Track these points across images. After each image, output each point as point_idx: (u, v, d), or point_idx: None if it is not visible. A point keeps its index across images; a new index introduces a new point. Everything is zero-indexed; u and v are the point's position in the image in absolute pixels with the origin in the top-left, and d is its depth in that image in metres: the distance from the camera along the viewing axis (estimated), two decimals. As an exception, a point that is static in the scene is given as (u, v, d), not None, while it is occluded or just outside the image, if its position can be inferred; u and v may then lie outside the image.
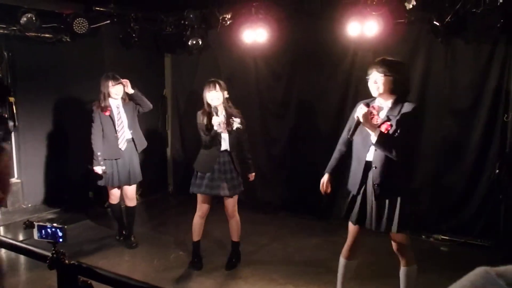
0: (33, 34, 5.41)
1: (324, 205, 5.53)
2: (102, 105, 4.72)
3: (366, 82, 3.20)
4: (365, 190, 3.22)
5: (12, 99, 5.60)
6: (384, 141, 3.03)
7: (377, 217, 3.16)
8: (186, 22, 6.03)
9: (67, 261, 1.73)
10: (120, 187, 4.96)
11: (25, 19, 5.15)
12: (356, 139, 3.23)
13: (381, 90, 3.09)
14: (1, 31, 5.30)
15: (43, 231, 1.79)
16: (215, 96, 4.14)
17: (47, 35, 5.64)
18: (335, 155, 3.54)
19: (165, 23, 6.23)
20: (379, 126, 3.07)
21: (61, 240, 1.77)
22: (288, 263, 4.55)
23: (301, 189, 6.03)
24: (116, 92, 4.73)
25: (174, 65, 7.12)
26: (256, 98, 6.36)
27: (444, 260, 4.64)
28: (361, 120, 3.04)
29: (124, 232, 5.12)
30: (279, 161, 6.28)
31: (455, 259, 4.59)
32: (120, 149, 4.78)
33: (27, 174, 5.85)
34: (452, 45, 4.90)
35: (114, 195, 4.98)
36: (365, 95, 3.41)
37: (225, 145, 4.21)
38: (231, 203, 4.34)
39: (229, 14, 5.80)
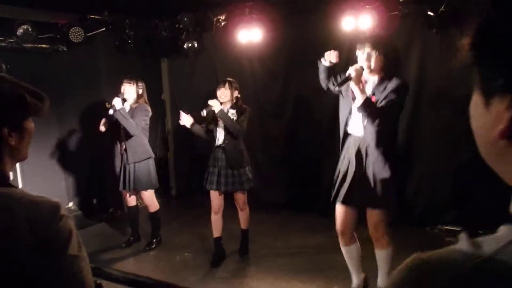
0: (30, 45, 5.44)
1: (325, 202, 5.55)
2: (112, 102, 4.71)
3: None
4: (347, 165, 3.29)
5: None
6: (368, 105, 3.04)
7: (362, 192, 3.22)
8: (181, 26, 6.07)
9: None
10: (135, 191, 5.01)
11: (21, 30, 5.18)
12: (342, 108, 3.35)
13: (372, 67, 3.11)
14: (-2, 43, 5.34)
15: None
16: (222, 93, 4.35)
17: (43, 46, 5.67)
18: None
19: (160, 28, 6.26)
20: None
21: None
22: (292, 260, 4.57)
23: (302, 187, 6.05)
24: (123, 91, 4.76)
25: (171, 69, 7.14)
26: (253, 98, 6.36)
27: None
28: (353, 75, 3.03)
29: (131, 238, 5.14)
30: (278, 160, 6.30)
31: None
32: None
33: (30, 183, 5.87)
34: (447, 36, 4.91)
35: (127, 198, 5.06)
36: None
37: (220, 139, 4.37)
38: (241, 198, 4.54)
39: (223, 15, 5.84)
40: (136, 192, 5.01)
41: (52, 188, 6.02)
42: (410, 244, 4.75)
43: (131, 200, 5.10)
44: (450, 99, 5.03)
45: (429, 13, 4.67)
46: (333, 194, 3.40)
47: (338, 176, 3.38)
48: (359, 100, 3.02)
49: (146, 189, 4.93)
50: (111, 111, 4.67)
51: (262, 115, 6.37)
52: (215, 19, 5.81)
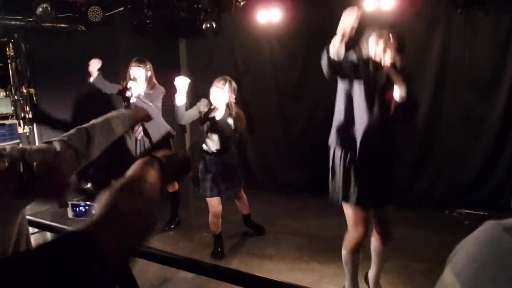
0: (49, 25, 5.44)
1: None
2: (123, 83, 4.67)
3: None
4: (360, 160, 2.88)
5: (32, 90, 5.68)
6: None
7: (378, 191, 2.90)
8: (199, 6, 6.01)
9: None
10: None
11: (40, 9, 5.18)
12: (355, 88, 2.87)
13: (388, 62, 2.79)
14: (18, 23, 5.35)
15: (77, 209, 1.82)
16: (218, 96, 4.08)
17: (62, 25, 5.67)
18: None
19: (178, 8, 6.20)
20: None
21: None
22: (311, 242, 4.57)
23: (320, 170, 6.01)
24: (134, 75, 4.65)
25: (189, 50, 7.12)
26: (272, 80, 6.34)
27: (468, 234, 4.61)
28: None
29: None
30: (297, 142, 6.27)
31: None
32: (135, 137, 4.79)
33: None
34: (471, 16, 4.79)
35: None
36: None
37: (214, 145, 4.17)
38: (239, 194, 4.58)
39: (243, -5, 5.77)
40: None
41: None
42: (430, 227, 4.76)
43: None
44: (473, 83, 4.94)
45: (454, -8, 4.56)
46: (352, 196, 2.92)
47: (353, 174, 2.91)
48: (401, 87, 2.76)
49: None
50: (128, 93, 4.61)
51: (281, 97, 6.33)
52: (234, -1, 5.74)
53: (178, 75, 7.13)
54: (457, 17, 4.83)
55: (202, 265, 1.66)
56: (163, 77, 6.85)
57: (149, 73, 4.77)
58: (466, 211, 5.10)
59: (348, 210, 3.00)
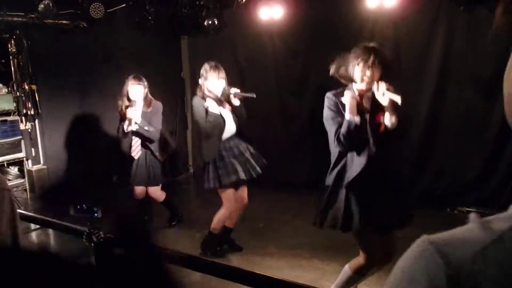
0: (50, 21, 5.44)
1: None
2: (121, 104, 4.48)
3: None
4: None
5: (34, 87, 5.69)
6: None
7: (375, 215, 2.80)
8: (201, 3, 5.99)
9: (103, 235, 1.77)
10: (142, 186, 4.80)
11: (42, 6, 5.17)
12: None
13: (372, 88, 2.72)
14: (20, 19, 5.35)
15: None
16: (221, 85, 3.97)
17: (64, 22, 5.67)
18: None
19: (180, 5, 6.19)
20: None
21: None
22: (312, 239, 4.56)
23: (321, 166, 6.01)
24: (133, 93, 4.42)
25: (191, 47, 7.12)
26: (273, 76, 6.34)
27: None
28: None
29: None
30: (298, 138, 6.28)
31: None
32: (132, 157, 4.62)
33: (52, 160, 5.95)
34: (474, 13, 4.78)
35: (136, 192, 4.77)
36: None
37: (231, 129, 4.03)
38: (246, 190, 4.23)
39: (245, -8, 5.75)
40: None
41: (73, 164, 6.10)
42: (430, 225, 4.73)
43: (140, 193, 4.79)
44: (475, 80, 4.93)
45: (456, -11, 4.55)
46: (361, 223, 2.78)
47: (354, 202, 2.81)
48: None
49: (158, 184, 4.78)
50: (129, 128, 4.39)
51: (283, 93, 6.34)
52: (236, -4, 5.73)
53: (180, 72, 7.22)
54: (459, 14, 4.82)
55: (202, 262, 1.67)
56: (165, 73, 6.89)
57: (146, 90, 4.54)
58: (467, 209, 5.10)
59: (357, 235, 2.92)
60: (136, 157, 4.60)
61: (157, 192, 4.82)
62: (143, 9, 6.08)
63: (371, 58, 2.67)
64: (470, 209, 5.07)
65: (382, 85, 2.66)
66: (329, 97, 2.89)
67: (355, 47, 2.79)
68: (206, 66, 4.01)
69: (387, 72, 2.73)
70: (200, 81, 4.03)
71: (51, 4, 5.22)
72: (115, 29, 6.27)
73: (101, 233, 1.78)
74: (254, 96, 3.86)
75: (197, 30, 6.44)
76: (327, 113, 2.89)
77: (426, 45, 5.07)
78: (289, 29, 5.84)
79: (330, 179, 2.92)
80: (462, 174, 5.12)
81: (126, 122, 4.38)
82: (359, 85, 2.77)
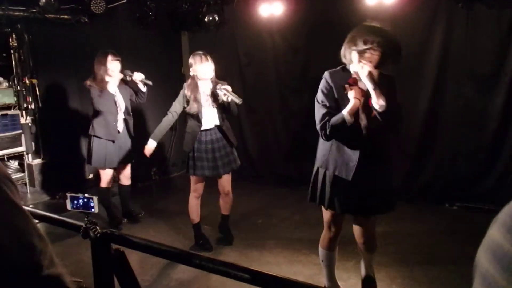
0: (52, 16, 5.47)
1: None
2: (100, 81, 4.60)
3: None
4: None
5: (35, 81, 5.71)
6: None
7: (356, 200, 2.85)
8: (202, -1, 6.02)
9: (99, 230, 1.79)
10: (115, 169, 4.87)
11: (44, 0, 5.20)
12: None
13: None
14: (21, 14, 5.38)
15: (75, 201, 1.85)
16: (208, 68, 4.14)
17: (65, 17, 5.70)
18: None
19: (181, 1, 6.21)
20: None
21: (93, 210, 1.83)
22: (310, 234, 4.57)
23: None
24: (113, 69, 4.61)
25: (191, 42, 7.12)
26: (273, 73, 6.35)
27: (468, 228, 4.63)
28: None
29: (118, 216, 5.06)
30: (298, 135, 6.28)
31: (479, 226, 4.56)
32: (118, 130, 4.73)
33: (51, 154, 5.97)
34: (473, 10, 4.78)
35: (108, 176, 4.81)
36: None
37: (214, 120, 4.09)
38: (227, 180, 4.24)
39: (245, -12, 5.76)
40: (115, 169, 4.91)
41: (72, 158, 6.12)
42: (429, 220, 4.78)
43: (110, 180, 4.91)
44: (473, 77, 4.93)
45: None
46: (325, 200, 2.92)
47: (328, 180, 2.91)
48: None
49: (132, 161, 5.00)
50: (144, 88, 4.79)
51: (283, 90, 6.34)
52: (236, -8, 5.74)
53: (180, 67, 7.22)
54: (458, 11, 4.82)
55: (199, 258, 1.68)
56: (165, 69, 6.90)
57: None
58: (466, 204, 5.11)
59: (324, 212, 3.08)
60: (120, 130, 4.77)
61: (130, 172, 5.02)
62: (143, 5, 6.10)
63: (370, 39, 2.53)
64: (468, 205, 5.08)
65: (366, 67, 2.57)
66: (325, 77, 2.87)
67: (357, 26, 2.76)
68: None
69: (390, 53, 2.58)
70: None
71: (52, -1, 5.24)
72: (116, 24, 6.28)
73: (98, 228, 1.80)
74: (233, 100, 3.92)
75: (197, 26, 6.47)
76: (318, 94, 2.90)
77: (425, 42, 5.07)
78: (289, 26, 5.84)
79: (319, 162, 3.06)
80: (461, 170, 5.13)
81: (140, 84, 4.73)
82: (356, 67, 2.68)
